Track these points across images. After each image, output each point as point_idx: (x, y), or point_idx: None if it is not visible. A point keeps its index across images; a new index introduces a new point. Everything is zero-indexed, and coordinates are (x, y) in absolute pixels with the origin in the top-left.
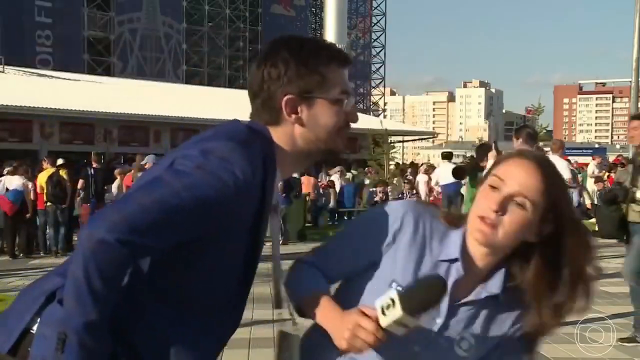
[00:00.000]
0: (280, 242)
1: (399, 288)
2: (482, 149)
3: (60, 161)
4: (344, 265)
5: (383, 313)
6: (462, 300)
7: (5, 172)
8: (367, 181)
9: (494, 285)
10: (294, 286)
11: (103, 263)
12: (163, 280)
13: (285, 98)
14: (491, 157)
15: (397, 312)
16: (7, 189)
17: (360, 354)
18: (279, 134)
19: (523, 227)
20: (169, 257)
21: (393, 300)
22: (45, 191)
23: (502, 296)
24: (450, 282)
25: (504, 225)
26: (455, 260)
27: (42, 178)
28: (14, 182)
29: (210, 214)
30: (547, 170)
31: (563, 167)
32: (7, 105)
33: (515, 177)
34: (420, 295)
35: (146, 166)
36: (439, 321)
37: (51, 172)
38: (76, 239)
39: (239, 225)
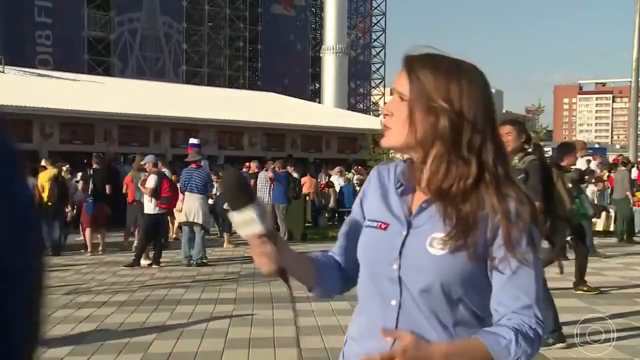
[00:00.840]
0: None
1: None
2: (563, 148)
3: (43, 162)
4: (353, 242)
5: None
6: (416, 209)
7: None
8: (355, 180)
9: None
10: None
11: None
12: None
13: None
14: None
15: (230, 214)
16: None
17: (265, 268)
18: None
19: (407, 117)
20: None
21: None
22: (45, 191)
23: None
24: (405, 201)
25: (394, 121)
26: (401, 184)
27: (42, 177)
28: None
29: None
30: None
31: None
32: (7, 105)
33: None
34: (230, 190)
35: (146, 166)
36: (404, 233)
37: (54, 173)
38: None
39: None
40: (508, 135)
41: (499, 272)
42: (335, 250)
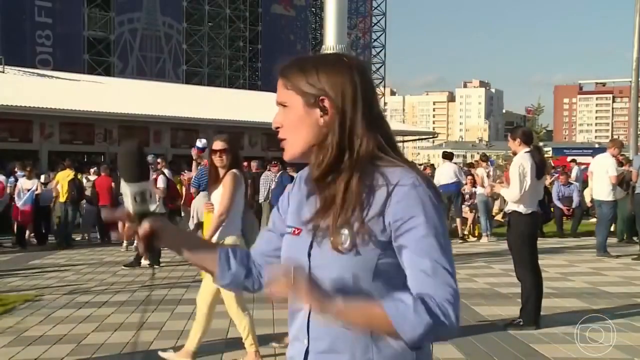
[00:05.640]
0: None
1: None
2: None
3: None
4: (266, 239)
5: None
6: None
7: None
8: None
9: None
10: None
11: None
12: None
13: None
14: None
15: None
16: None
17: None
18: None
19: (295, 121)
20: None
21: None
22: (64, 190)
23: None
24: (312, 203)
25: (286, 131)
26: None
27: (60, 177)
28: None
29: None
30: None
31: (610, 164)
32: (7, 105)
33: None
34: (123, 162)
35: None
36: (311, 235)
37: (72, 175)
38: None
39: None
40: None
41: (403, 254)
42: (254, 246)
